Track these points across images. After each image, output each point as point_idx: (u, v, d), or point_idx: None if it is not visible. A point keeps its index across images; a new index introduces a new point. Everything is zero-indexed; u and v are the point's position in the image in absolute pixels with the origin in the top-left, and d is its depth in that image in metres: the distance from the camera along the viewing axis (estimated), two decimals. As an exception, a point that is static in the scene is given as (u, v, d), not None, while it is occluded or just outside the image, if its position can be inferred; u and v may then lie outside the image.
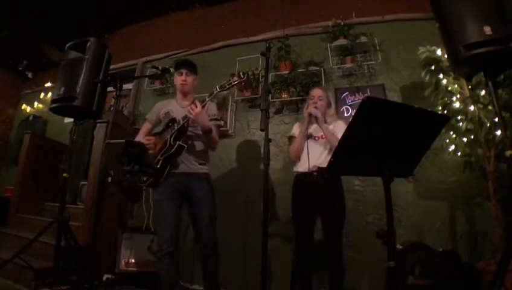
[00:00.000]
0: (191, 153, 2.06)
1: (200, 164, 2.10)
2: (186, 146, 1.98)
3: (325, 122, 2.18)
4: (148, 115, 2.30)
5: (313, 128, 2.20)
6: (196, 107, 1.90)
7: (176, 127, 1.99)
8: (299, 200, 2.16)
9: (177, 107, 2.17)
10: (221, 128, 2.97)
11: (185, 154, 2.02)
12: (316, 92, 2.28)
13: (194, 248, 2.92)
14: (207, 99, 1.97)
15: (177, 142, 1.96)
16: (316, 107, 2.14)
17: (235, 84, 1.98)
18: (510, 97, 2.11)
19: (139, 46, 4.39)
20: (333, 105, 2.33)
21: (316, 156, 2.09)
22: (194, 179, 2.05)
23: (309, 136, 2.16)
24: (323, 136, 2.14)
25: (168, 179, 2.01)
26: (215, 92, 1.96)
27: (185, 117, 1.96)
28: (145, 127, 2.27)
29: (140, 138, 2.15)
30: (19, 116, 5.24)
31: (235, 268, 2.80)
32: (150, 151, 2.03)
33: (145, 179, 2.02)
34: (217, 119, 2.19)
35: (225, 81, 1.98)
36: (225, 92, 2.21)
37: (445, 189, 2.53)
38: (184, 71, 2.17)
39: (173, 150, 1.95)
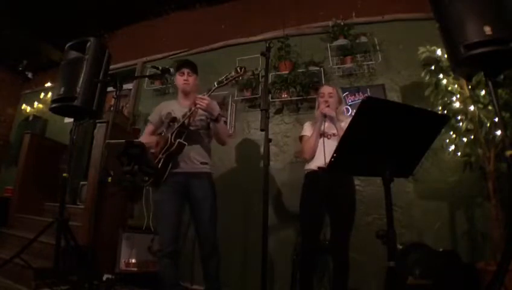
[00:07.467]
0: (192, 152, 2.04)
1: (202, 163, 2.08)
2: (186, 144, 1.97)
3: (337, 119, 2.15)
4: (150, 116, 2.28)
5: (325, 126, 2.16)
6: (202, 98, 1.92)
7: (176, 126, 1.99)
8: (310, 198, 2.11)
9: (178, 107, 2.16)
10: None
11: (186, 154, 2.01)
12: (326, 89, 2.24)
13: (194, 248, 2.92)
14: (206, 95, 1.98)
15: (178, 140, 1.95)
16: (328, 106, 2.12)
17: (233, 79, 1.97)
18: (510, 97, 2.11)
19: (139, 46, 4.39)
20: (343, 102, 2.31)
21: (329, 154, 2.08)
22: (195, 178, 2.03)
23: (321, 134, 2.12)
24: (335, 134, 2.12)
25: (169, 178, 1.98)
26: (214, 88, 1.98)
27: (185, 115, 1.97)
28: (148, 128, 2.25)
29: (143, 139, 2.15)
30: (19, 116, 5.24)
31: (235, 268, 2.80)
32: (152, 150, 2.02)
33: (146, 178, 1.98)
34: (222, 116, 2.17)
35: (223, 77, 1.97)
36: (225, 91, 2.20)
37: (445, 189, 2.53)
38: (186, 71, 2.18)
39: (174, 148, 1.93)
